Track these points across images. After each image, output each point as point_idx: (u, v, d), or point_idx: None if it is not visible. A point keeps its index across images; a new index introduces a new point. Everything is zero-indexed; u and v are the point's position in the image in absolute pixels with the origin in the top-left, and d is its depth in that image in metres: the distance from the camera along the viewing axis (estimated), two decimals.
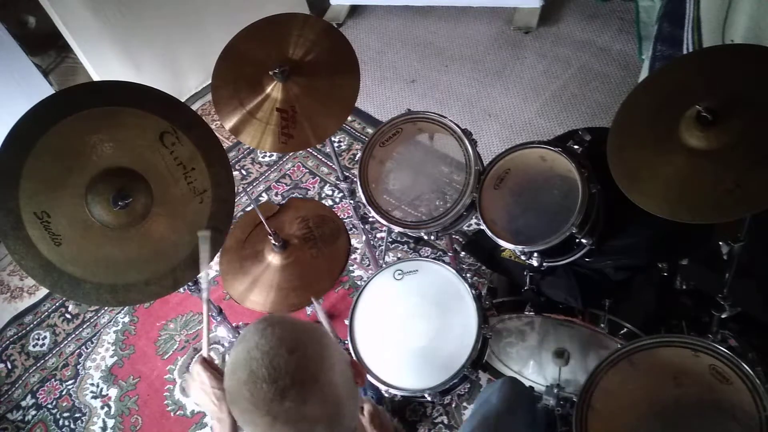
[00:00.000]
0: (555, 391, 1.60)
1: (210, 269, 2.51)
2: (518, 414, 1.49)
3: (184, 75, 3.22)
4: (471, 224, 1.72)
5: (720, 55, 1.33)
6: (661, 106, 1.26)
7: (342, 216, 2.36)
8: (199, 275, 1.38)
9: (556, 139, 1.72)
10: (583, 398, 1.31)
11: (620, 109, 1.33)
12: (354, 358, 1.57)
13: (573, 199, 1.43)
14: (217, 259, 1.61)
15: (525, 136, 2.67)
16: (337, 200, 2.69)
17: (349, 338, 1.60)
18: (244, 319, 2.25)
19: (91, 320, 2.58)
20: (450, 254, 2.10)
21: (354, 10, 3.51)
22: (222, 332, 2.01)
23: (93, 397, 2.37)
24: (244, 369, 0.89)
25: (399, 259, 2.37)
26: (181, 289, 1.51)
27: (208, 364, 1.24)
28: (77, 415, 2.34)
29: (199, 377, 1.22)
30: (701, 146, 1.15)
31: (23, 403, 2.41)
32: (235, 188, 1.46)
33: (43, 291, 2.71)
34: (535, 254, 1.48)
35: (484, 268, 2.23)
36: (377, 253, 2.37)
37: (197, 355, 1.26)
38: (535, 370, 1.85)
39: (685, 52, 1.99)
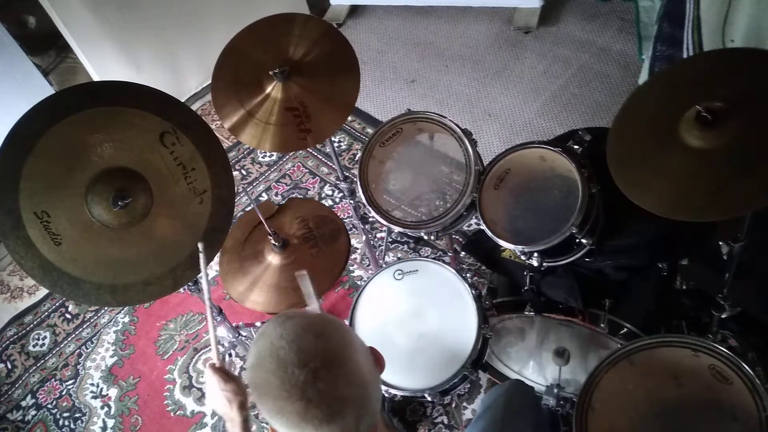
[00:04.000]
0: (555, 391, 1.60)
1: (210, 269, 2.52)
2: (524, 416, 1.49)
3: (184, 75, 3.22)
4: (471, 224, 1.72)
5: (720, 56, 1.33)
6: (661, 107, 1.26)
7: (342, 216, 2.36)
8: (199, 280, 1.38)
9: (556, 139, 1.72)
10: (583, 398, 1.31)
11: (620, 110, 1.33)
12: None
13: (573, 199, 1.43)
14: (217, 259, 1.60)
15: (525, 136, 2.67)
16: (337, 200, 2.69)
17: None
18: (244, 319, 2.25)
19: (91, 320, 2.58)
20: (450, 254, 2.10)
21: (354, 10, 3.51)
22: (222, 332, 2.01)
23: (93, 397, 2.37)
24: (270, 359, 0.90)
25: (399, 259, 2.37)
26: (182, 289, 1.51)
27: (218, 369, 1.26)
28: (77, 415, 2.34)
29: (210, 381, 1.25)
30: (701, 146, 1.15)
31: (23, 403, 2.41)
32: (235, 188, 1.46)
33: (43, 291, 2.71)
34: (535, 254, 1.48)
35: (484, 268, 2.23)
36: (377, 253, 2.37)
37: (208, 363, 1.28)
38: (535, 370, 1.85)
39: (685, 52, 1.99)
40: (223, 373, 1.25)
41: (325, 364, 0.88)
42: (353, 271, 2.47)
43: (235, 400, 1.21)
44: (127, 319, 2.55)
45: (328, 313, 2.30)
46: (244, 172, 2.91)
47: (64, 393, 2.41)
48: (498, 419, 1.45)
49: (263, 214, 1.65)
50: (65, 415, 2.36)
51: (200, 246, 1.40)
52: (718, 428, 1.23)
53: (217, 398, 1.23)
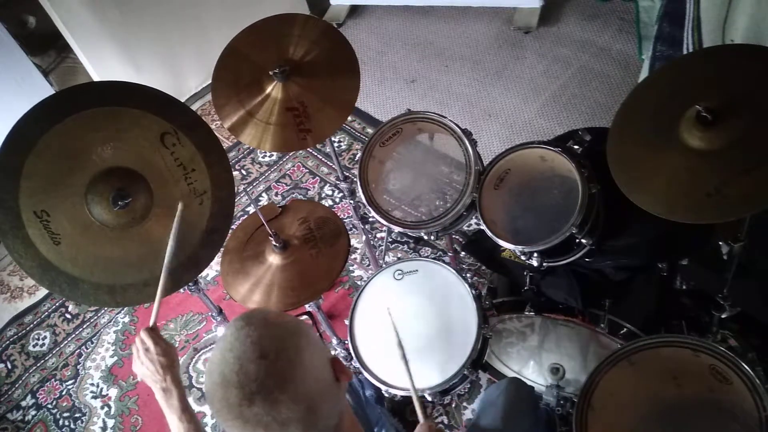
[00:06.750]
0: (555, 391, 1.60)
1: (210, 269, 2.52)
2: (524, 415, 1.50)
3: (184, 75, 3.22)
4: (471, 224, 1.72)
5: (720, 55, 1.33)
6: (661, 107, 1.26)
7: (342, 216, 2.36)
8: (168, 248, 1.33)
9: (556, 139, 1.72)
10: (583, 398, 1.31)
11: (620, 109, 1.33)
12: (354, 357, 1.57)
13: (573, 199, 1.43)
14: (217, 259, 1.60)
15: (525, 136, 2.67)
16: (337, 200, 2.69)
17: (349, 338, 1.60)
18: None
19: (91, 320, 2.58)
20: (450, 254, 2.10)
21: (354, 10, 3.51)
22: (222, 332, 2.02)
23: (93, 397, 2.37)
24: (217, 372, 0.90)
25: (399, 259, 2.36)
26: (181, 290, 1.51)
27: (154, 333, 1.26)
28: (77, 415, 2.34)
29: (143, 345, 1.24)
30: (701, 146, 1.15)
31: (23, 403, 2.41)
32: (235, 189, 1.46)
33: (43, 291, 2.71)
34: (535, 254, 1.48)
35: (484, 268, 2.23)
36: (377, 253, 2.37)
37: (143, 328, 1.27)
38: (535, 370, 1.85)
39: (685, 51, 1.99)
40: (155, 335, 1.24)
41: (262, 389, 0.87)
42: (353, 271, 2.47)
43: (171, 369, 1.21)
44: (127, 319, 2.55)
45: (328, 311, 2.32)
46: (244, 172, 2.91)
47: (64, 393, 2.41)
48: (498, 418, 1.46)
49: (266, 216, 1.65)
50: (65, 415, 2.35)
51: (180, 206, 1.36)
52: (718, 428, 1.23)
53: (150, 365, 1.22)
